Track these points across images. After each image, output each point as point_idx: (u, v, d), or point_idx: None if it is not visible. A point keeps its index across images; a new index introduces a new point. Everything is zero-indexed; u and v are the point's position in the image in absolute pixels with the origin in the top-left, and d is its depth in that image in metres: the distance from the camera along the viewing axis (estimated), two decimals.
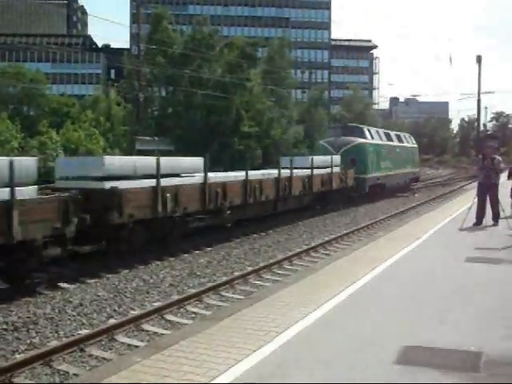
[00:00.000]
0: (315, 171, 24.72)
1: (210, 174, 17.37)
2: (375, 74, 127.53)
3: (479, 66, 59.99)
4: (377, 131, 36.55)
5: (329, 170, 26.30)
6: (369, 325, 6.69)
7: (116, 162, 15.15)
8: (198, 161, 17.50)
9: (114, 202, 13.32)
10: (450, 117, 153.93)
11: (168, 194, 15.05)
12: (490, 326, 6.66)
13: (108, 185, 13.57)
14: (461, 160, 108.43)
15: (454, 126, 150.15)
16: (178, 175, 16.39)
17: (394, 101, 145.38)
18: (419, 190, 41.32)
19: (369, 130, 34.43)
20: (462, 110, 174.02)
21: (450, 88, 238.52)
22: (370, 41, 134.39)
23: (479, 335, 6.28)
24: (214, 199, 17.28)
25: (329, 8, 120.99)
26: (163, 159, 15.39)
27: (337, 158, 28.06)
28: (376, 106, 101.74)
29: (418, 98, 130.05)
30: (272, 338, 6.20)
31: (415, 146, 45.49)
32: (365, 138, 32.42)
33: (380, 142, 34.65)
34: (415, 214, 24.01)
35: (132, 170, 15.05)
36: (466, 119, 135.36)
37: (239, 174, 19.72)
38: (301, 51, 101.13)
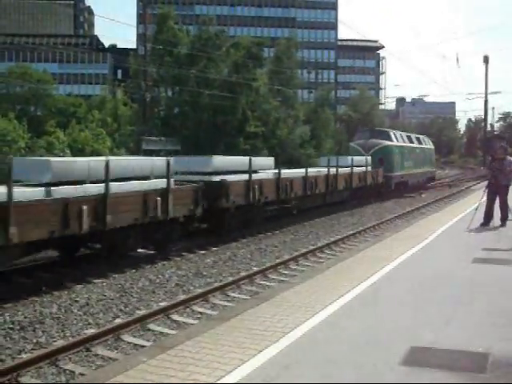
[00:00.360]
0: (354, 169, 28.54)
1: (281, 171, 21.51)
2: (382, 74, 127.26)
3: (486, 66, 59.86)
4: (400, 134, 40.29)
5: (364, 168, 30.23)
6: (375, 325, 6.67)
7: (219, 160, 19.72)
8: (270, 160, 22.95)
9: (222, 191, 17.44)
10: (456, 117, 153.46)
11: (256, 186, 19.15)
12: (496, 326, 6.62)
13: (217, 178, 17.81)
14: (468, 160, 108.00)
15: (461, 126, 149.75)
16: (255, 171, 19.90)
17: (400, 101, 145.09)
18: (426, 191, 41.23)
19: (394, 134, 38.33)
20: (469, 111, 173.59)
21: (457, 88, 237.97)
22: (376, 41, 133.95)
23: (486, 336, 6.23)
24: (284, 191, 21.35)
25: (335, 8, 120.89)
26: (252, 159, 19.59)
27: (369, 159, 31.51)
28: (383, 107, 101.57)
29: (424, 99, 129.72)
30: (278, 339, 6.18)
31: (432, 147, 49.46)
32: (391, 140, 36.28)
33: (403, 144, 38.58)
34: (422, 215, 23.95)
35: (229, 166, 19.46)
36: (473, 119, 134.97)
37: (300, 171, 23.89)
38: (307, 51, 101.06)
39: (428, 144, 47.48)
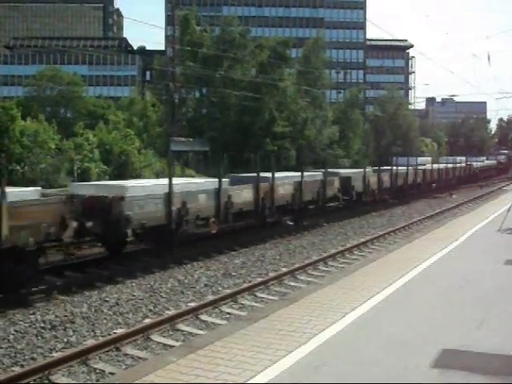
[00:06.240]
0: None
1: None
2: (411, 73, 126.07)
3: None
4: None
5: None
6: (405, 328, 6.60)
7: (403, 159, 36.47)
8: (427, 159, 41.78)
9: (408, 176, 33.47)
10: (488, 117, 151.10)
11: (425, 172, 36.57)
12: None
13: (404, 169, 33.12)
14: None
15: (492, 126, 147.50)
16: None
17: (430, 101, 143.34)
18: (456, 191, 40.74)
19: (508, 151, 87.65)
20: (501, 110, 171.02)
21: (488, 87, 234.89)
22: (405, 40, 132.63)
23: None
24: (436, 176, 38.64)
25: (363, 8, 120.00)
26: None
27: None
28: (412, 106, 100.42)
29: (455, 98, 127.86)
30: (307, 340, 6.16)
31: None
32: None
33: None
34: (452, 216, 23.68)
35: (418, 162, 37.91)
36: (505, 119, 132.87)
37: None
38: (336, 51, 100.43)
39: None
